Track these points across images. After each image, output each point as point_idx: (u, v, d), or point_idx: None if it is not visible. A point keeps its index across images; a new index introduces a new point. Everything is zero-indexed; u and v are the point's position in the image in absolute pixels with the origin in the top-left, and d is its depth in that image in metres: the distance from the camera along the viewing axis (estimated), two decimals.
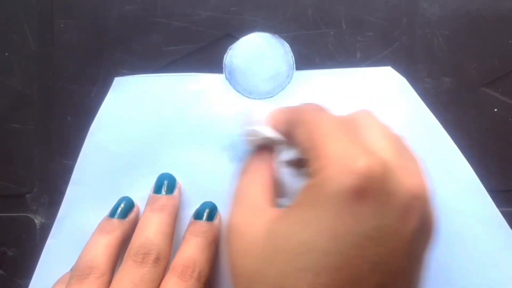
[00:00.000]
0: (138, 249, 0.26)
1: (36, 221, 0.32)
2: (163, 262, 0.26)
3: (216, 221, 0.30)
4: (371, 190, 0.19)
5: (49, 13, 0.32)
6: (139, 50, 0.31)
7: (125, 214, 0.29)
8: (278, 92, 0.31)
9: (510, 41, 0.31)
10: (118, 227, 0.28)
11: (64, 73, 0.32)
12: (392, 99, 0.30)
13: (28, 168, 0.32)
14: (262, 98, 0.31)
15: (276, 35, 0.31)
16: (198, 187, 0.31)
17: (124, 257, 0.26)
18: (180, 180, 0.30)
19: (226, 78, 0.31)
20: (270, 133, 0.25)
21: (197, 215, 0.30)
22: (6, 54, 0.32)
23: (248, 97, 0.31)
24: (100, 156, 0.31)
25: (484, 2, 0.31)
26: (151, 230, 0.27)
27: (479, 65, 0.31)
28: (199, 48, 0.31)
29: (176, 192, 0.30)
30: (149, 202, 0.29)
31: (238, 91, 0.31)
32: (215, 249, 0.29)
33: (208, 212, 0.30)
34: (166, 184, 0.30)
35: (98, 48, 0.32)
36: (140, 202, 0.30)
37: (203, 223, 0.29)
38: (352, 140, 0.21)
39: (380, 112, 0.29)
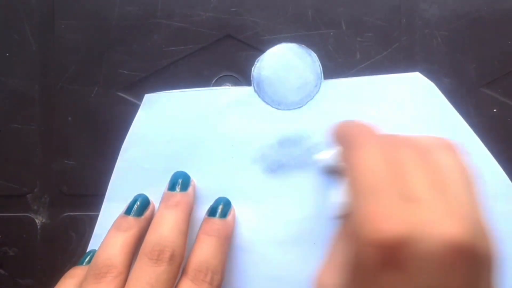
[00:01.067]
0: (153, 246, 0.26)
1: (37, 221, 0.32)
2: (178, 260, 0.26)
3: (229, 217, 0.30)
4: (397, 259, 0.19)
5: (50, 14, 0.32)
6: (140, 50, 0.32)
7: (141, 211, 0.29)
8: (307, 102, 0.31)
9: (509, 42, 0.31)
10: (134, 225, 0.28)
11: (65, 73, 0.32)
12: (421, 105, 0.30)
13: (29, 168, 0.32)
14: (291, 109, 0.31)
15: (303, 45, 0.31)
16: (231, 201, 0.31)
17: (139, 254, 0.26)
18: (213, 194, 0.31)
19: (255, 90, 0.31)
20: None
21: (211, 212, 0.30)
22: (7, 54, 0.32)
23: (277, 108, 0.31)
24: (133, 172, 0.31)
25: (483, 3, 0.31)
26: (166, 227, 0.27)
27: (478, 65, 0.31)
28: (199, 48, 0.31)
29: (190, 189, 0.30)
30: (164, 199, 0.29)
31: (267, 102, 0.31)
32: (228, 247, 0.29)
33: (222, 207, 0.30)
34: (180, 181, 0.30)
35: (99, 48, 0.32)
36: None
37: (216, 221, 0.29)
38: (387, 198, 0.20)
39: (410, 118, 0.30)
